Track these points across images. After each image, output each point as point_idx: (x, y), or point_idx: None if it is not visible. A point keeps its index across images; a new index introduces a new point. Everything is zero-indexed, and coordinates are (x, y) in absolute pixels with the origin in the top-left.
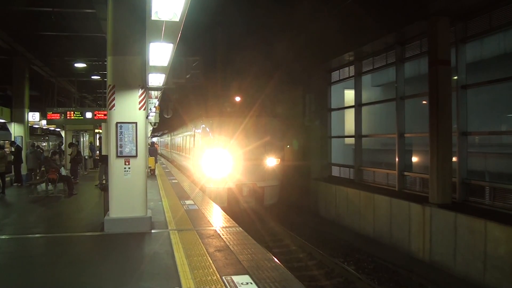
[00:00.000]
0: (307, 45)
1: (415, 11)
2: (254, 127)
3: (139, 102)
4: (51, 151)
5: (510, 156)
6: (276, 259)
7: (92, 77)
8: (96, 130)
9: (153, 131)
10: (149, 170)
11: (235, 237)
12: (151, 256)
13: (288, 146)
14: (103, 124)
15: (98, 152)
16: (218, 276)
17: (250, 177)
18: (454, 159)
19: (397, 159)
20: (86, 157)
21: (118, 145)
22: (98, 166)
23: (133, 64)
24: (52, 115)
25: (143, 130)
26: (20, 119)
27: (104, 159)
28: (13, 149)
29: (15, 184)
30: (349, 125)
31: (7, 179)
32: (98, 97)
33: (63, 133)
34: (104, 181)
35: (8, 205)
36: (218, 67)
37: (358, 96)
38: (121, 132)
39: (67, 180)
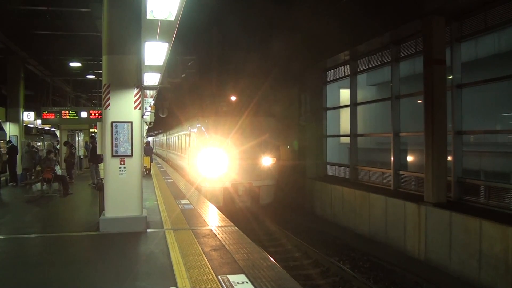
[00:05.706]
0: (302, 44)
1: (410, 10)
2: (250, 127)
3: (135, 102)
4: (46, 150)
5: (504, 154)
6: (271, 258)
7: (87, 76)
8: (92, 130)
9: (148, 130)
10: (144, 169)
11: (231, 237)
12: (146, 255)
13: (288, 147)
14: (98, 124)
15: (86, 150)
16: (214, 275)
17: (245, 177)
18: (449, 158)
19: (392, 158)
20: (81, 157)
21: (113, 145)
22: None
23: (129, 63)
24: (47, 114)
25: (139, 130)
26: (15, 119)
27: (94, 159)
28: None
29: (10, 183)
30: (345, 124)
31: (2, 178)
32: (94, 96)
33: (58, 133)
34: (97, 180)
35: (3, 205)
36: (213, 67)
37: (353, 95)
38: (116, 132)
39: (63, 180)
